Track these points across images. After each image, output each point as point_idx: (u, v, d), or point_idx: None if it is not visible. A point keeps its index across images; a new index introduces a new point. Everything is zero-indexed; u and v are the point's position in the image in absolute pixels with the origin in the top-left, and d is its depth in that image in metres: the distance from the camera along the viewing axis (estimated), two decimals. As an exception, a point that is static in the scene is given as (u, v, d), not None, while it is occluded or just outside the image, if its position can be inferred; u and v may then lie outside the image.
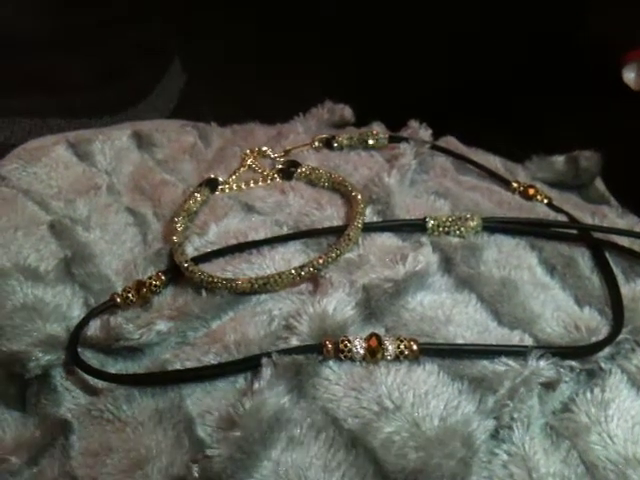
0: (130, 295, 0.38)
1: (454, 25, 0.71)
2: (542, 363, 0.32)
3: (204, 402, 0.32)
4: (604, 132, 0.60)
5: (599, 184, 0.52)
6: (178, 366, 0.34)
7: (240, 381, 0.33)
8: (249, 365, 0.33)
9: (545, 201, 0.45)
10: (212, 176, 0.45)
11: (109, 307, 0.38)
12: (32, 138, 0.52)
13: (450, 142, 0.51)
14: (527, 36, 0.68)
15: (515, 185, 0.46)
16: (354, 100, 0.57)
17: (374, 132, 0.49)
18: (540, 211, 0.43)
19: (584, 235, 0.41)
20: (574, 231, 0.42)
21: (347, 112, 0.56)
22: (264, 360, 0.32)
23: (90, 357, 0.36)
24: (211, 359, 0.34)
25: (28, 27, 0.62)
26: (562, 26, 0.68)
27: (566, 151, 0.52)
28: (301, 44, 0.73)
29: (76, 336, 0.36)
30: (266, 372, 0.31)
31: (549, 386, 0.32)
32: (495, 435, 0.30)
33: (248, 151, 0.49)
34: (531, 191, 0.45)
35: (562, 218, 0.43)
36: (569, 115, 0.64)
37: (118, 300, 0.38)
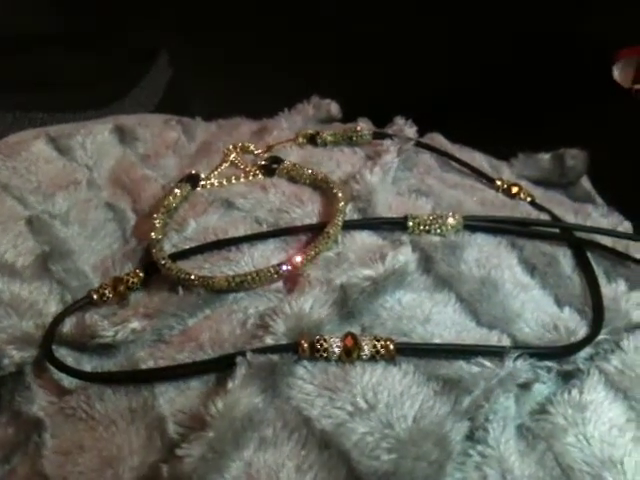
0: (107, 292, 0.37)
1: (449, 24, 0.71)
2: (519, 364, 0.32)
3: (177, 401, 0.32)
4: (592, 130, 0.60)
5: (585, 182, 0.51)
6: (152, 364, 0.33)
7: (214, 380, 0.32)
8: (223, 364, 0.32)
9: (528, 199, 0.45)
10: (193, 172, 0.45)
11: (85, 304, 0.37)
12: (14, 132, 0.52)
13: (435, 139, 0.51)
14: (521, 35, 0.68)
15: (499, 183, 0.46)
16: (343, 96, 0.56)
17: (358, 128, 0.48)
18: (523, 210, 0.43)
19: (566, 234, 0.41)
20: (556, 230, 0.41)
21: (334, 108, 0.55)
22: (238, 359, 0.31)
23: (65, 354, 0.35)
24: (185, 357, 0.33)
25: (12, 26, 0.62)
26: (556, 25, 0.68)
27: (553, 149, 0.52)
28: (290, 40, 0.72)
29: (51, 333, 0.36)
30: (240, 371, 0.31)
31: (526, 387, 0.32)
32: (470, 436, 0.30)
33: (231, 146, 0.48)
34: (514, 189, 0.45)
35: (545, 217, 0.43)
36: (557, 113, 0.64)
37: (95, 297, 0.37)
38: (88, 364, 0.35)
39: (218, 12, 0.70)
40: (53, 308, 0.38)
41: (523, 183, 0.47)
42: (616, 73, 0.66)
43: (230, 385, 0.31)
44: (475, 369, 0.32)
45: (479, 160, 0.50)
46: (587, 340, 0.34)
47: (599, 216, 0.45)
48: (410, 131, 0.49)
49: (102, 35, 0.63)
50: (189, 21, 0.71)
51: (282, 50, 0.71)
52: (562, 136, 0.53)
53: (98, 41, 0.63)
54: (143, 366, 0.33)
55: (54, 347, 0.35)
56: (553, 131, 0.61)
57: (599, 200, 0.51)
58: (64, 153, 0.47)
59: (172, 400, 0.32)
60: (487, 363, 0.32)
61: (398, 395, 0.31)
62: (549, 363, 0.33)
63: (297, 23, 0.72)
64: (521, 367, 0.32)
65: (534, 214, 0.43)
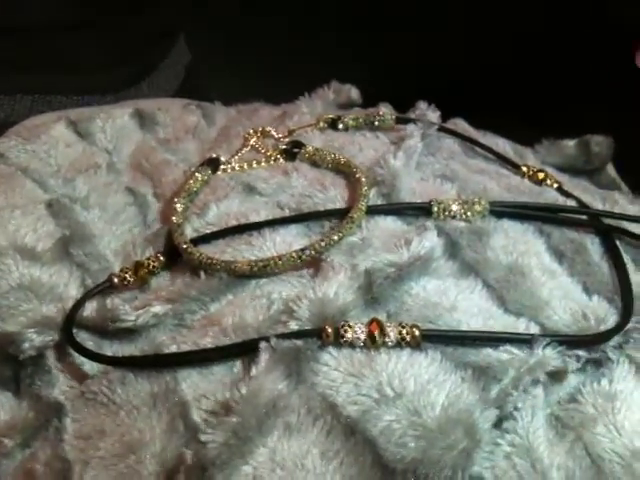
0: (127, 276, 0.37)
1: (466, 8, 0.70)
2: (548, 352, 0.31)
3: (200, 386, 0.31)
4: (616, 117, 0.59)
5: (610, 169, 0.51)
6: (174, 349, 0.33)
7: (237, 365, 0.32)
8: (247, 349, 0.32)
9: (555, 186, 0.44)
10: (214, 156, 0.44)
11: (106, 288, 0.37)
12: (33, 115, 0.51)
13: (459, 124, 0.50)
14: (542, 20, 0.67)
15: (524, 169, 0.45)
16: (362, 81, 0.56)
17: (380, 113, 0.48)
18: (549, 196, 0.42)
19: (594, 221, 0.40)
20: (584, 217, 0.41)
21: (354, 93, 0.55)
22: (262, 344, 0.31)
23: (86, 339, 0.35)
24: (208, 342, 0.33)
25: (33, 9, 0.61)
26: (575, 13, 0.67)
27: (577, 136, 0.51)
28: (309, 24, 0.72)
29: (72, 317, 0.35)
30: (264, 357, 0.31)
31: (554, 375, 0.31)
32: (498, 425, 0.29)
33: (252, 131, 0.48)
34: (541, 175, 0.44)
35: (572, 203, 0.42)
36: (581, 101, 0.63)
37: (115, 281, 0.37)
38: (109, 349, 0.35)
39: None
40: (73, 292, 0.38)
41: (548, 170, 0.46)
42: (638, 60, 0.65)
43: (254, 371, 0.30)
44: (503, 357, 0.31)
45: (503, 146, 0.50)
46: (617, 328, 0.33)
47: (627, 203, 0.44)
48: (433, 116, 0.48)
49: (119, 18, 0.63)
50: (206, 4, 0.70)
51: (288, 31, 0.70)
52: (584, 123, 0.52)
53: (116, 24, 0.62)
54: (165, 351, 0.33)
55: (75, 331, 0.35)
56: (575, 119, 0.60)
57: (625, 187, 0.50)
58: (84, 137, 0.47)
59: (195, 385, 0.31)
60: (516, 351, 0.31)
61: (425, 382, 0.30)
62: (578, 351, 0.32)
63: (305, 3, 0.71)
64: (550, 355, 0.31)
65: (561, 200, 0.42)
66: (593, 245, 0.38)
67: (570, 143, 0.50)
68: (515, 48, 0.69)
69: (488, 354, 0.31)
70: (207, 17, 0.71)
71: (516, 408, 0.30)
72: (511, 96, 0.67)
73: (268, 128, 0.48)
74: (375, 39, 0.71)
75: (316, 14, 0.72)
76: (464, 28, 0.71)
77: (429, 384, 0.30)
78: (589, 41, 0.66)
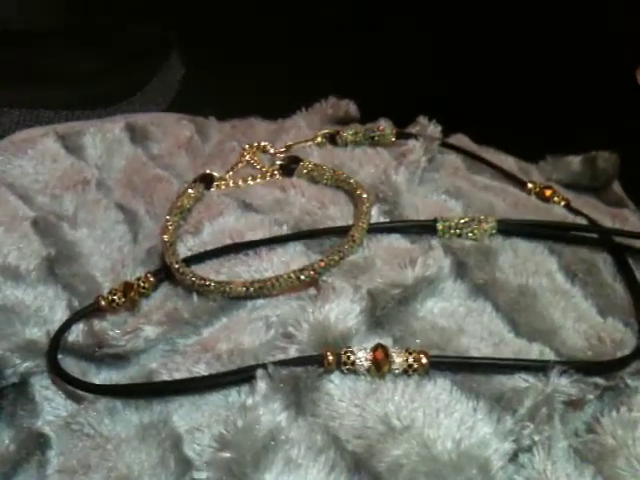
0: (116, 298, 0.35)
1: (465, 22, 0.69)
2: (564, 380, 0.29)
3: (193, 418, 0.29)
4: (621, 133, 0.58)
5: (616, 187, 0.49)
6: (166, 377, 0.31)
7: (233, 395, 0.30)
8: (243, 377, 0.30)
9: (563, 203, 0.42)
10: (207, 172, 0.43)
11: (94, 310, 0.35)
12: (20, 130, 0.49)
13: (461, 140, 0.49)
14: (541, 36, 0.67)
15: (531, 186, 0.43)
16: (360, 97, 0.54)
17: (380, 127, 0.46)
18: (558, 213, 0.41)
19: (605, 239, 0.38)
20: (594, 235, 0.39)
21: (352, 108, 0.53)
22: (259, 372, 0.29)
23: (72, 365, 0.33)
24: (202, 370, 0.31)
25: (24, 21, 0.60)
26: (578, 27, 0.66)
27: (582, 152, 0.49)
28: (305, 39, 0.71)
29: (57, 341, 0.33)
30: (261, 385, 0.29)
31: (571, 405, 0.29)
32: (514, 459, 0.28)
33: (247, 146, 0.46)
34: (548, 192, 0.43)
35: (581, 221, 0.40)
36: (585, 117, 0.62)
37: (103, 303, 0.35)
38: (96, 376, 0.33)
39: (233, 11, 0.68)
40: (59, 315, 0.36)
41: (555, 186, 0.45)
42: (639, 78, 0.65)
43: (250, 401, 0.28)
44: (518, 385, 0.29)
45: (507, 162, 0.48)
46: (635, 354, 0.31)
47: (637, 221, 0.43)
48: (435, 131, 0.47)
49: (111, 30, 0.61)
50: (202, 19, 0.69)
51: (283, 46, 0.69)
52: (585, 141, 0.51)
53: (108, 38, 0.61)
54: (156, 379, 0.31)
55: (60, 357, 0.33)
56: (575, 136, 0.59)
57: (632, 205, 0.48)
58: (73, 151, 0.45)
59: (188, 417, 0.29)
60: (531, 379, 0.29)
61: (434, 413, 0.28)
62: (596, 379, 0.30)
63: (300, 18, 0.70)
64: (567, 383, 0.29)
65: (570, 218, 0.40)
66: (605, 265, 0.37)
67: (576, 159, 0.49)
68: (515, 63, 0.68)
69: (501, 382, 0.30)
70: (201, 30, 0.70)
71: (532, 440, 0.28)
72: (511, 112, 0.66)
73: (264, 143, 0.46)
74: (373, 53, 0.70)
75: (313, 29, 0.71)
76: (462, 44, 0.70)
77: (439, 415, 0.28)
78: (590, 57, 0.65)
